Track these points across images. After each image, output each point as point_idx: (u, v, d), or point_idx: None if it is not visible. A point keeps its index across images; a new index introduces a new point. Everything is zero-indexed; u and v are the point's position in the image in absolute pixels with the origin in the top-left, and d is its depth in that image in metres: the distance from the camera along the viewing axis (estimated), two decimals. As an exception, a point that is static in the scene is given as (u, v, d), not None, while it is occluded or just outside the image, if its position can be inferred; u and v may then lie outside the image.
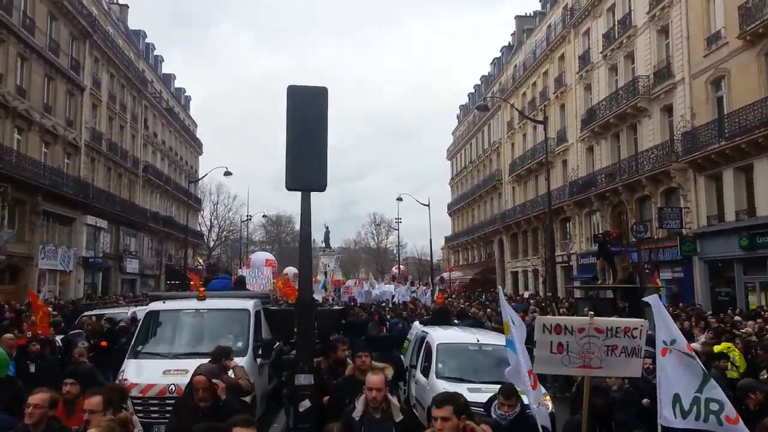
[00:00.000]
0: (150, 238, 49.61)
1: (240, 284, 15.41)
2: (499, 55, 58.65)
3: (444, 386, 8.65)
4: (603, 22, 34.41)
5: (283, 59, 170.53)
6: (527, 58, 47.50)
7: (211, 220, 69.21)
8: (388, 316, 19.89)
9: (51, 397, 4.90)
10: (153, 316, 10.68)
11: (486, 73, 63.70)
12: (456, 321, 14.38)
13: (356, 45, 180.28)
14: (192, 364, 8.48)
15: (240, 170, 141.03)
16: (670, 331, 5.37)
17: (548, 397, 8.95)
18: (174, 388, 8.51)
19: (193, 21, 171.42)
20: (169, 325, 10.60)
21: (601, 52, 34.03)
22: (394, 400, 5.23)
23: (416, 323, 13.55)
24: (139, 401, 8.54)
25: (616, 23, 32.57)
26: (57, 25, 33.21)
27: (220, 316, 10.69)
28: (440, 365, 9.67)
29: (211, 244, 68.40)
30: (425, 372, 9.96)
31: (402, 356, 11.87)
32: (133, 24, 51.70)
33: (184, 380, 8.11)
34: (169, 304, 11.03)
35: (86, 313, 16.98)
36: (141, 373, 9.14)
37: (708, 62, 24.81)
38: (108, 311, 17.89)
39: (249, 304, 10.72)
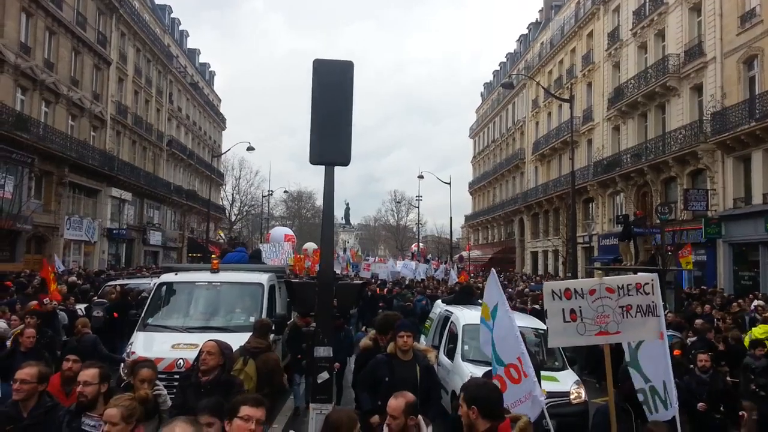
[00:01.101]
0: (173, 211, 50.17)
1: (256, 257, 14.75)
2: (525, 32, 57.75)
3: (470, 369, 8.43)
4: (633, -1, 33.67)
5: (312, 38, 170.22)
6: (555, 35, 46.70)
7: (233, 194, 69.60)
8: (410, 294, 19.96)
9: (39, 372, 4.60)
10: (164, 287, 10.36)
11: (512, 51, 62.82)
12: (480, 301, 13.94)
13: (384, 24, 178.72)
14: (202, 338, 8.10)
15: (263, 146, 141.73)
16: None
17: (579, 387, 8.67)
18: (182, 363, 8.23)
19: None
20: (180, 297, 10.26)
21: (630, 30, 33.33)
22: (425, 429, 4.30)
23: (439, 302, 13.08)
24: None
25: (647, 0, 31.82)
26: (84, 0, 33.41)
27: (233, 290, 10.31)
28: (466, 347, 9.22)
29: (233, 218, 68.87)
30: (450, 354, 9.59)
31: (423, 336, 11.53)
32: (159, -1, 51.79)
33: (192, 354, 7.65)
34: (181, 276, 10.71)
35: (110, 283, 17.17)
36: (149, 346, 8.85)
37: (741, 41, 24.18)
38: (132, 281, 18.00)
39: (263, 278, 10.39)
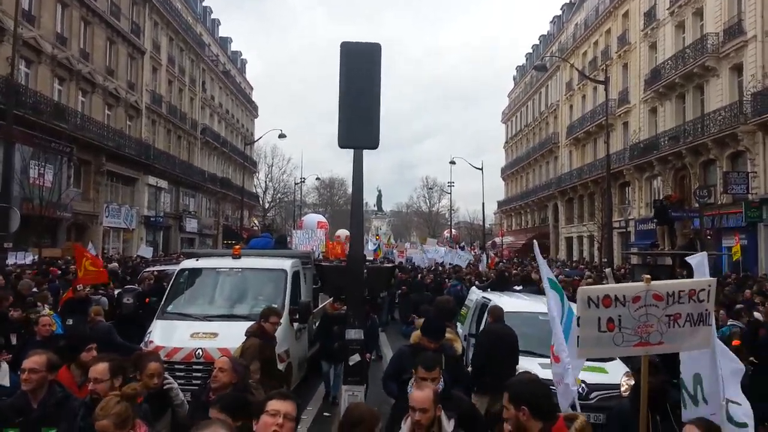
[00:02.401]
0: (208, 199, 50.90)
1: (281, 243, 13.99)
2: (559, 13, 56.72)
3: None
4: (671, -23, 32.74)
5: (351, 24, 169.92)
6: (589, 16, 45.75)
7: (266, 182, 70.34)
8: (447, 280, 19.85)
9: (48, 360, 4.23)
10: (184, 274, 10.03)
11: (545, 33, 61.81)
12: (517, 288, 13.55)
13: (421, 11, 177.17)
14: (222, 327, 8.35)
15: (300, 134, 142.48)
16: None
17: (630, 379, 7.58)
18: (201, 353, 7.92)
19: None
20: (201, 284, 9.93)
21: (668, 9, 32.44)
22: (447, 423, 4.01)
23: (475, 288, 12.53)
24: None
25: (685, -23, 30.93)
26: (118, -11, 33.90)
27: (255, 276, 9.87)
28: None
29: (266, 205, 69.62)
30: None
31: (460, 324, 10.96)
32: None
33: (212, 344, 7.92)
34: (202, 262, 10.33)
35: (147, 269, 17.47)
36: (168, 335, 8.51)
37: (784, 18, 23.37)
38: (168, 267, 18.24)
39: (286, 264, 9.95)
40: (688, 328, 4.33)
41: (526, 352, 7.94)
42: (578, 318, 4.35)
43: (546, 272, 6.33)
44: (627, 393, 7.41)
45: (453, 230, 66.94)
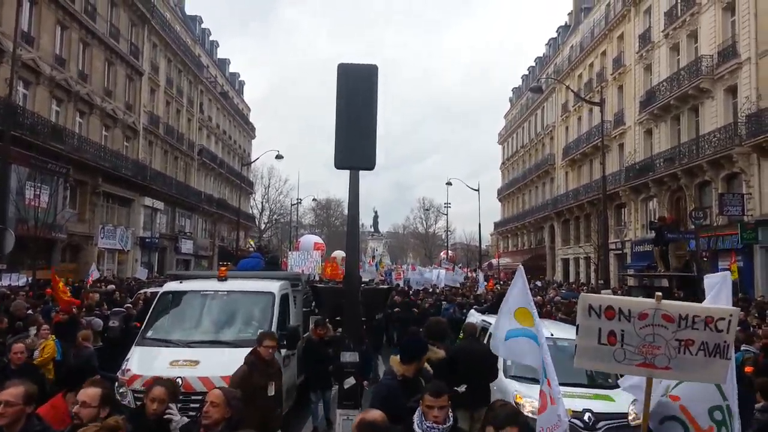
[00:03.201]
0: (204, 220, 50.82)
1: (272, 264, 13.36)
2: (555, 35, 57.30)
3: (516, 387, 7.93)
4: (665, 0, 33.13)
5: (348, 46, 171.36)
6: (584, 38, 46.22)
7: (262, 203, 70.36)
8: (433, 301, 19.67)
9: (25, 392, 3.91)
10: (166, 297, 9.55)
11: (541, 55, 62.37)
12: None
13: (420, 32, 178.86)
14: (205, 354, 7.95)
15: (300, 154, 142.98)
16: None
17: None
18: (181, 383, 7.24)
19: (257, 4, 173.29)
20: (184, 308, 9.41)
21: (662, 31, 32.81)
22: None
23: (474, 312, 12.12)
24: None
25: (679, 1, 31.30)
26: (117, 11, 34.15)
27: (241, 300, 9.34)
28: (509, 362, 8.26)
29: (262, 226, 69.55)
30: None
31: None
32: (195, 9, 52.77)
33: (192, 373, 7.53)
34: (186, 285, 9.81)
35: (140, 291, 17.38)
36: (146, 363, 8.04)
37: (777, 41, 23.62)
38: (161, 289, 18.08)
39: (274, 287, 9.41)
40: (701, 357, 3.96)
41: (526, 378, 7.79)
42: (577, 326, 4.15)
43: (519, 302, 5.37)
44: (636, 422, 7.29)
45: (449, 251, 66.86)
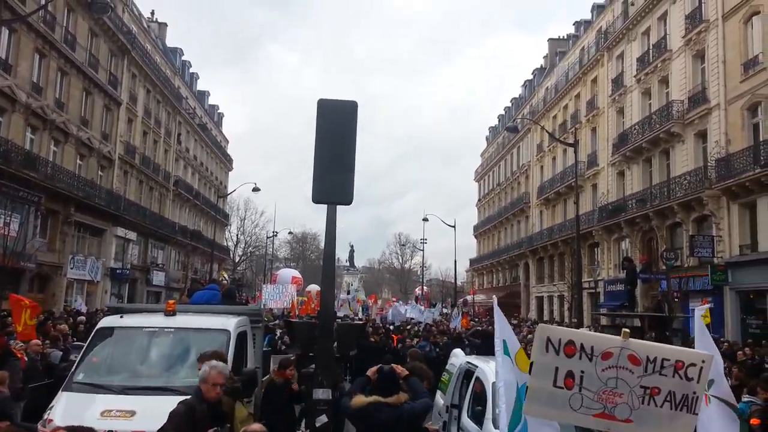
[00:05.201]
0: (177, 251, 50.20)
1: (229, 297, 11.86)
2: (531, 77, 58.58)
3: None
4: (637, 46, 34.16)
5: (328, 82, 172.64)
6: (559, 81, 47.33)
7: (237, 235, 69.87)
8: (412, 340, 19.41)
9: None
10: (103, 334, 8.19)
11: (517, 95, 63.66)
12: (477, 341, 12.91)
13: (402, 72, 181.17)
14: (144, 402, 6.81)
15: (272, 188, 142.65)
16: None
17: None
18: None
19: (240, 41, 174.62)
20: (123, 347, 8.09)
21: (635, 76, 33.74)
22: None
23: (458, 351, 11.36)
24: None
25: (651, 47, 32.29)
26: (97, 42, 34.13)
27: (191, 338, 8.01)
28: (498, 410, 7.73)
29: (237, 259, 68.91)
30: (477, 418, 7.87)
31: (441, 392, 9.78)
32: (178, 42, 53.06)
33: (127, 426, 6.43)
34: (127, 320, 8.42)
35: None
36: (72, 412, 6.72)
37: (744, 88, 24.40)
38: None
39: (231, 324, 8.22)
40: (666, 410, 3.45)
41: None
42: (531, 364, 3.59)
43: (502, 334, 5.16)
44: None
45: (425, 287, 66.79)
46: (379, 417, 5.46)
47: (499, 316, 5.26)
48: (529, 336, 20.13)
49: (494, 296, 6.91)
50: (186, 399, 5.35)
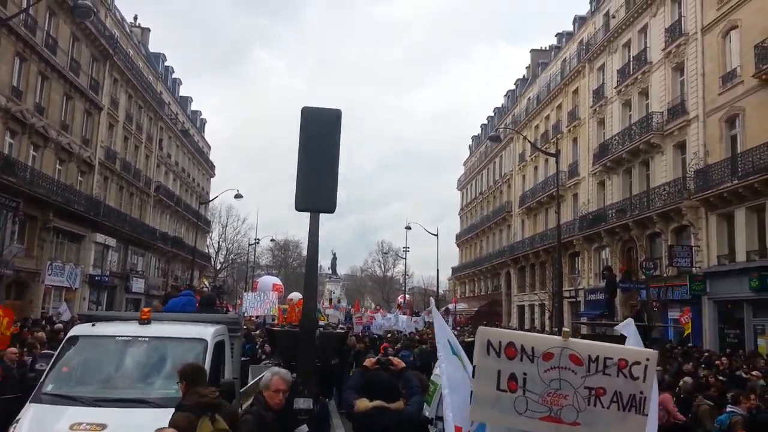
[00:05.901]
0: (157, 258, 49.71)
1: (207, 305, 11.29)
2: (513, 87, 59.06)
3: None
4: (618, 58, 34.62)
5: (315, 89, 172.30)
6: (541, 91, 47.79)
7: (219, 242, 69.43)
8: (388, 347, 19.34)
9: None
10: (74, 343, 7.81)
11: (500, 105, 64.12)
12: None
13: (387, 79, 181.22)
14: (115, 415, 6.54)
15: (254, 194, 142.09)
16: None
17: None
18: None
19: (226, 47, 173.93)
20: (94, 357, 7.75)
21: (615, 88, 34.17)
22: None
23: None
24: None
25: (632, 59, 32.74)
26: (79, 46, 33.82)
27: (166, 347, 7.72)
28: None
29: (218, 266, 68.44)
30: None
31: (427, 405, 10.34)
32: (162, 48, 52.75)
33: None
34: (99, 328, 8.03)
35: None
36: (40, 426, 6.55)
37: (723, 100, 24.80)
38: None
39: (208, 333, 7.85)
40: (614, 411, 3.33)
41: None
42: (474, 367, 3.50)
43: (444, 335, 5.15)
44: None
45: (407, 296, 66.76)
46: (381, 421, 5.52)
47: (438, 319, 5.27)
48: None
49: (431, 298, 6.96)
50: (251, 408, 5.13)
